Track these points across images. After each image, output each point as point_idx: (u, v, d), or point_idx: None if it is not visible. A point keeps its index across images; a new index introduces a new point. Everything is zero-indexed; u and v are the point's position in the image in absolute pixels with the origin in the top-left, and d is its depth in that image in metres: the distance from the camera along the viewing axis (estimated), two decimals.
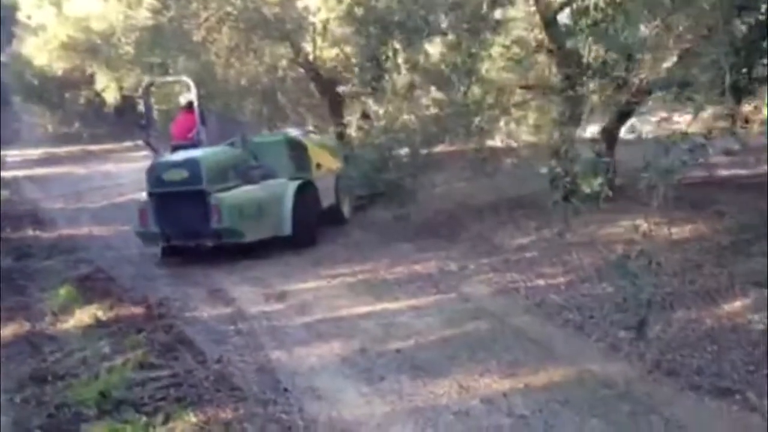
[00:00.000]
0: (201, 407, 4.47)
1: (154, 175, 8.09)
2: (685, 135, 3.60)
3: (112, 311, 6.43)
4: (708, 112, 3.65)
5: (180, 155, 8.50)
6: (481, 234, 8.40)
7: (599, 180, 4.39)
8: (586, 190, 4.81)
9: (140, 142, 20.19)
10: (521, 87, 8.36)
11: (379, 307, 6.33)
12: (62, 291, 6.98)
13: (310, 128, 12.27)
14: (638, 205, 6.31)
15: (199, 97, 9.47)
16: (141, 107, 15.77)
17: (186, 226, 7.94)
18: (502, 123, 8.51)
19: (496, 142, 9.35)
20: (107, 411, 4.50)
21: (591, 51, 4.11)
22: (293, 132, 10.34)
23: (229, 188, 8.07)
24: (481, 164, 8.82)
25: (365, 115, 9.42)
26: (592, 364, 4.83)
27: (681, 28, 3.40)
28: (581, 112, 4.59)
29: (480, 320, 5.82)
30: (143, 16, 12.97)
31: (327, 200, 9.17)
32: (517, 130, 9.09)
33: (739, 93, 3.49)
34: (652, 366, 4.69)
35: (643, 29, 3.57)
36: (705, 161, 3.69)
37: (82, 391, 4.75)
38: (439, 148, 9.06)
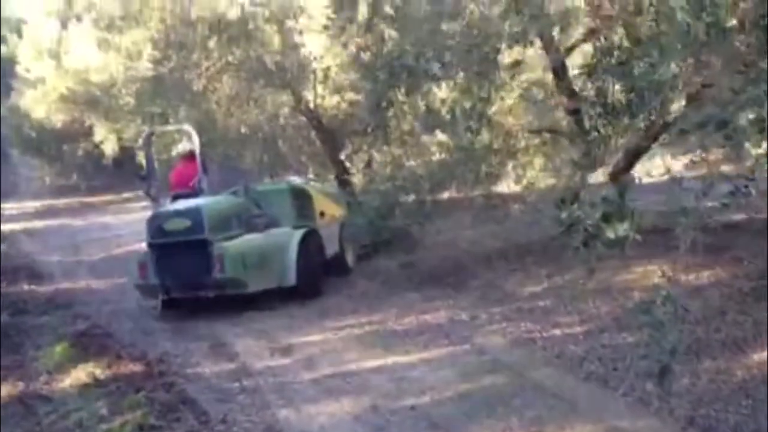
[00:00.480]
0: None
1: (155, 225, 7.87)
2: (723, 176, 3.40)
3: (109, 369, 6.15)
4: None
5: (181, 204, 8.25)
6: (491, 282, 8.14)
7: (625, 225, 4.17)
8: (611, 235, 4.59)
9: (140, 193, 20.31)
10: (531, 131, 8.20)
11: (389, 360, 6.05)
12: (58, 348, 6.71)
13: (311, 176, 12.15)
14: (649, 252, 6.15)
15: (201, 145, 9.23)
16: (140, 158, 15.87)
17: (187, 277, 7.69)
18: (510, 167, 8.32)
19: (503, 187, 9.17)
20: None
21: (614, 91, 3.94)
22: (295, 180, 10.20)
23: (231, 237, 7.88)
24: (489, 210, 8.65)
25: (369, 163, 9.24)
26: (620, 420, 4.55)
27: (715, 64, 3.23)
28: (599, 154, 4.39)
29: (497, 373, 5.54)
30: (144, 67, 12.95)
31: (331, 249, 8.94)
32: (526, 175, 8.90)
33: None
34: (685, 423, 4.40)
35: (674, 66, 3.41)
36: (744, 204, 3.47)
37: None
38: (444, 195, 8.85)
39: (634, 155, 7.27)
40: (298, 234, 8.23)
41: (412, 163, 8.15)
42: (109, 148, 19.64)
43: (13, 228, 16.12)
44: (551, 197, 9.11)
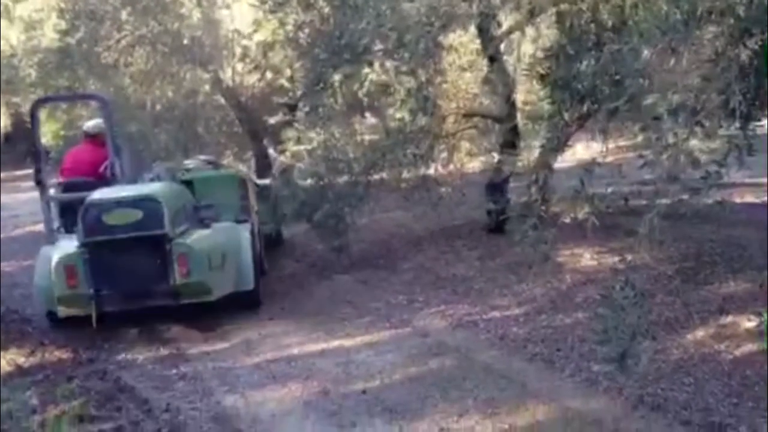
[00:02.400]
0: None
1: (92, 216, 6.18)
2: (696, 161, 3.49)
3: (33, 357, 5.77)
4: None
5: (128, 190, 6.67)
6: (422, 265, 8.16)
7: (586, 209, 4.23)
8: (566, 219, 4.66)
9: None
10: (465, 115, 8.25)
11: (332, 344, 5.95)
12: None
13: (207, 158, 10.23)
14: (575, 236, 6.30)
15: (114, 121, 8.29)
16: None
17: (135, 285, 6.17)
18: (440, 151, 8.34)
19: (432, 170, 9.17)
20: None
21: (583, 77, 3.98)
22: (191, 163, 8.93)
23: (185, 233, 6.49)
24: (419, 193, 8.65)
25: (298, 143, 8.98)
26: (573, 400, 4.64)
27: (688, 52, 3.30)
28: (561, 138, 4.45)
29: (443, 356, 5.55)
30: (49, 38, 12.22)
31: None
32: (455, 159, 8.95)
33: (748, 118, 3.40)
34: (636, 401, 4.53)
35: (645, 53, 3.47)
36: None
37: None
38: (376, 177, 8.77)
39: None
40: (246, 230, 7.18)
41: (345, 144, 7.96)
42: (1, 122, 18.51)
43: None
44: (480, 180, 9.27)
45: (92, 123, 8.44)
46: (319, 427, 4.52)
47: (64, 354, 5.87)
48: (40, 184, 7.21)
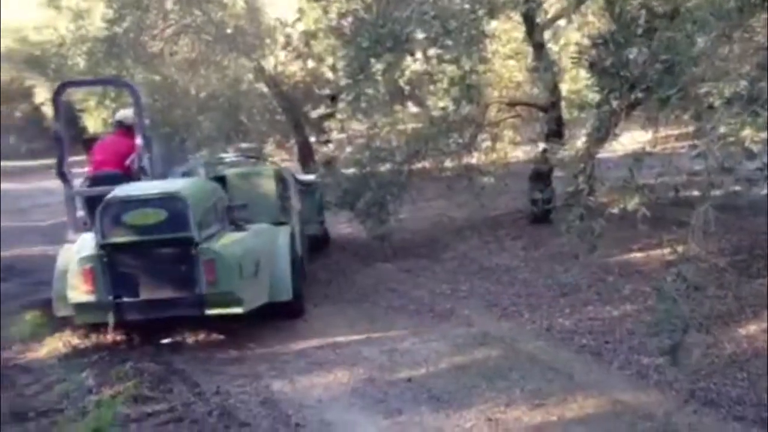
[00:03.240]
0: None
1: (110, 215, 5.55)
2: (750, 152, 3.42)
3: (88, 339, 5.89)
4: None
5: (150, 187, 6.04)
6: (466, 254, 8.15)
7: (636, 200, 4.19)
8: (614, 210, 4.61)
9: (84, 157, 19.70)
10: (509, 104, 8.20)
11: (376, 333, 5.98)
12: (28, 317, 6.39)
13: (249, 147, 10.21)
14: (623, 226, 6.22)
15: (153, 110, 7.94)
16: (84, 121, 15.33)
17: (158, 292, 5.58)
18: (484, 140, 8.31)
19: (475, 160, 9.14)
20: None
21: (633, 64, 3.92)
22: (230, 156, 8.61)
23: (214, 236, 5.87)
24: (462, 182, 8.64)
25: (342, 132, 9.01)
26: (623, 393, 4.60)
27: (742, 39, 3.23)
28: (610, 127, 4.39)
29: (489, 346, 5.54)
30: (96, 27, 12.40)
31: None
32: (497, 148, 8.91)
33: None
34: (687, 395, 4.48)
35: (699, 41, 3.41)
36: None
37: (72, 429, 4.25)
38: (418, 166, 8.77)
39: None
40: (286, 233, 6.58)
41: (389, 133, 7.97)
42: (51, 110, 18.84)
43: None
44: (522, 170, 9.21)
45: (125, 112, 7.83)
46: (367, 414, 4.55)
47: (117, 336, 5.94)
48: (62, 176, 6.81)
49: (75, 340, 5.84)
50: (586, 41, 4.48)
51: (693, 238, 3.82)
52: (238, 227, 6.27)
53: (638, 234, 7.40)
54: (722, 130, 3.61)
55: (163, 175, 6.96)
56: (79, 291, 5.54)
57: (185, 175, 7.10)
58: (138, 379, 4.97)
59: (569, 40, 8.06)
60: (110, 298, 5.50)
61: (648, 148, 4.16)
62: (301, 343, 5.83)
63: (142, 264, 5.55)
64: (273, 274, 6.12)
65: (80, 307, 5.61)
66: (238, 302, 5.65)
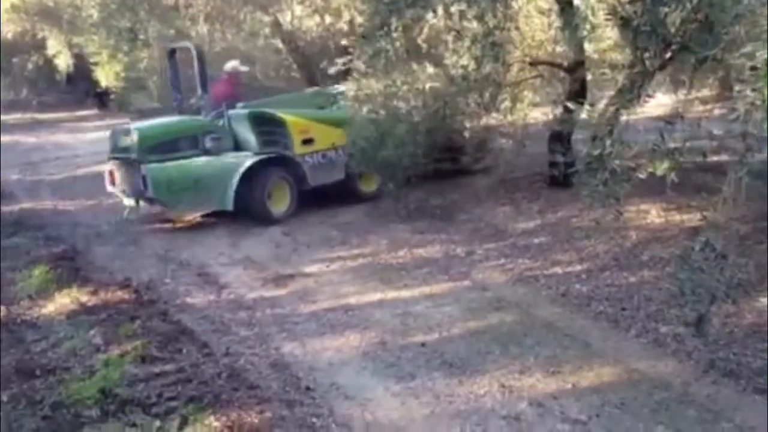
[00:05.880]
0: (220, 409, 3.98)
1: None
2: None
3: (95, 296, 5.84)
4: None
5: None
6: (481, 217, 8.00)
7: (666, 164, 4.02)
8: (641, 175, 4.43)
9: (95, 111, 19.55)
10: (531, 63, 7.96)
11: (389, 295, 5.88)
12: (36, 272, 6.36)
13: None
14: (640, 191, 6.04)
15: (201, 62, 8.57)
16: (96, 74, 15.13)
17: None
18: (505, 99, 8.07)
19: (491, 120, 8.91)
20: (111, 412, 3.97)
21: (670, 22, 3.72)
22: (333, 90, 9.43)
23: (163, 160, 7.91)
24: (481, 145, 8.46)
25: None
26: (639, 362, 4.49)
27: None
28: (642, 88, 4.18)
29: (503, 311, 5.44)
30: None
31: (330, 176, 8.61)
32: (517, 108, 8.66)
33: None
34: (706, 366, 4.36)
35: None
36: None
37: (79, 387, 4.21)
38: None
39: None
40: (248, 161, 8.09)
41: (407, 91, 7.76)
42: (63, 62, 18.66)
43: None
44: (538, 132, 8.98)
45: (231, 63, 9.39)
46: (378, 378, 4.47)
47: (125, 294, 5.91)
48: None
49: (83, 297, 5.79)
50: None
51: (723, 205, 3.64)
52: (209, 154, 8.09)
53: (656, 199, 7.26)
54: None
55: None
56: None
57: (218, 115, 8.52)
58: (146, 338, 4.91)
59: None
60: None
61: (681, 110, 3.96)
62: (311, 305, 5.76)
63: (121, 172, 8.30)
64: (221, 191, 7.92)
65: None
66: (165, 205, 7.99)
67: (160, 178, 7.75)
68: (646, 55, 3.91)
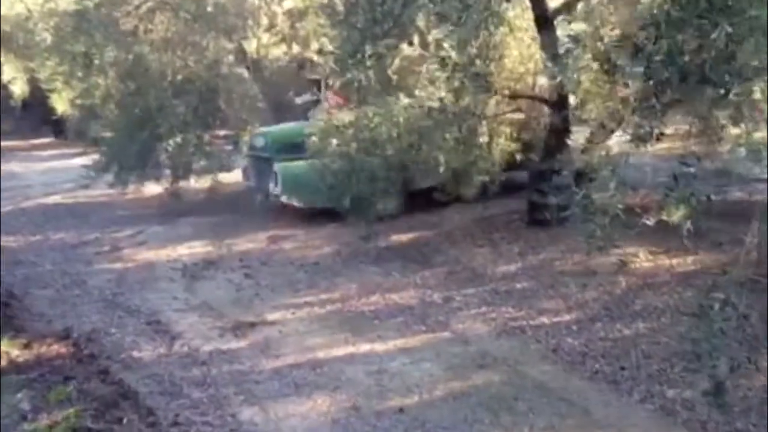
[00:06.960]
0: None
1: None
2: None
3: (29, 349, 5.15)
4: None
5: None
6: (457, 259, 7.46)
7: (681, 211, 3.52)
8: (648, 222, 3.94)
9: (51, 139, 18.68)
10: (511, 96, 7.51)
11: (362, 348, 5.29)
12: None
13: None
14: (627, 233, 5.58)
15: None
16: (52, 101, 14.37)
17: None
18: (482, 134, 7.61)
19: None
20: None
21: (686, 50, 3.26)
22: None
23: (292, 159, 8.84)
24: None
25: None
26: None
27: None
28: (653, 125, 3.70)
29: (489, 369, 4.89)
30: (66, 0, 11.57)
31: None
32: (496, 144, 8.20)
33: None
34: None
35: None
36: None
37: None
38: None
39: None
40: None
41: (380, 123, 7.24)
42: (19, 89, 17.90)
43: None
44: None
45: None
46: None
47: (63, 348, 5.21)
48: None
49: (14, 351, 5.10)
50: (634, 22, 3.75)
51: (746, 256, 3.16)
52: None
53: (645, 242, 6.78)
54: None
55: None
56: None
57: None
58: (81, 404, 4.24)
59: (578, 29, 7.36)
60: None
61: (693, 148, 3.50)
62: (274, 360, 5.15)
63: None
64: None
65: None
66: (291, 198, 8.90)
67: (287, 175, 8.73)
68: (661, 88, 3.43)
